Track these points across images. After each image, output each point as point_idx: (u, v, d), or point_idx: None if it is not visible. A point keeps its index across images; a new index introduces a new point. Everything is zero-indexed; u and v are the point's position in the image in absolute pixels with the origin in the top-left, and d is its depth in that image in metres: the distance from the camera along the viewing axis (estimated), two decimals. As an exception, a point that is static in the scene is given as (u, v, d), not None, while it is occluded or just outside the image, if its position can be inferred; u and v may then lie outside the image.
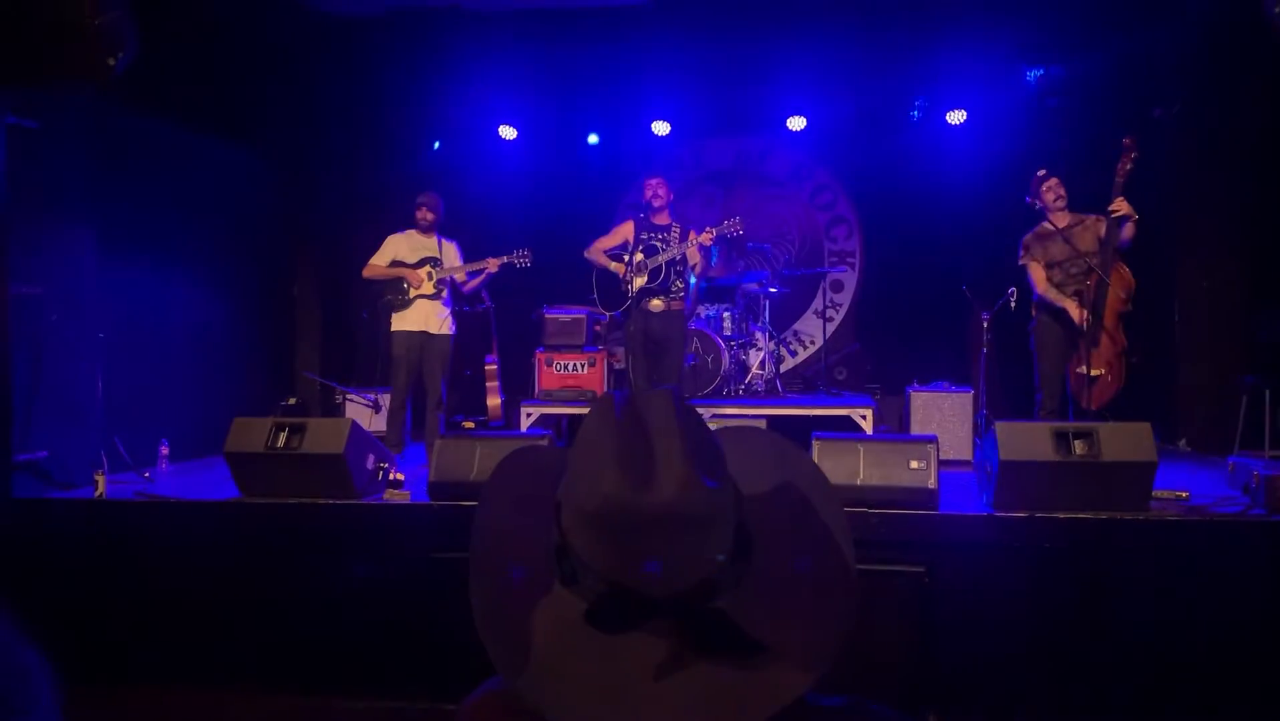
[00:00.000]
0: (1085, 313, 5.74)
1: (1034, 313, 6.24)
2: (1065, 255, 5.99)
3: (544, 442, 4.81)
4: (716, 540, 1.02)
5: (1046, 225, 6.09)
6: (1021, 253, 6.18)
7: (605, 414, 1.06)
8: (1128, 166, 5.61)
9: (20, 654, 1.12)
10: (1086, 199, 6.05)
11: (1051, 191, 6.04)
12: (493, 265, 6.81)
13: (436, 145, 9.15)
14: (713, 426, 1.17)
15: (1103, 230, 5.88)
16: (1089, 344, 5.72)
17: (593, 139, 9.43)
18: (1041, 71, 7.98)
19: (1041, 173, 6.09)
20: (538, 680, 1.02)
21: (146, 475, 5.81)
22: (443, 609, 4.27)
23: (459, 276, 6.85)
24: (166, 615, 4.75)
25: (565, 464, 1.07)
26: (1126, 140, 5.64)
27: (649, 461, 0.99)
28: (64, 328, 5.84)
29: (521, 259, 6.85)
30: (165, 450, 6.26)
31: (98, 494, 5.12)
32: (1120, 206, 5.63)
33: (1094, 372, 5.74)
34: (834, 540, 1.14)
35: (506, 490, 1.21)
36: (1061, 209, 6.03)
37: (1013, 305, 6.32)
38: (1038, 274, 6.07)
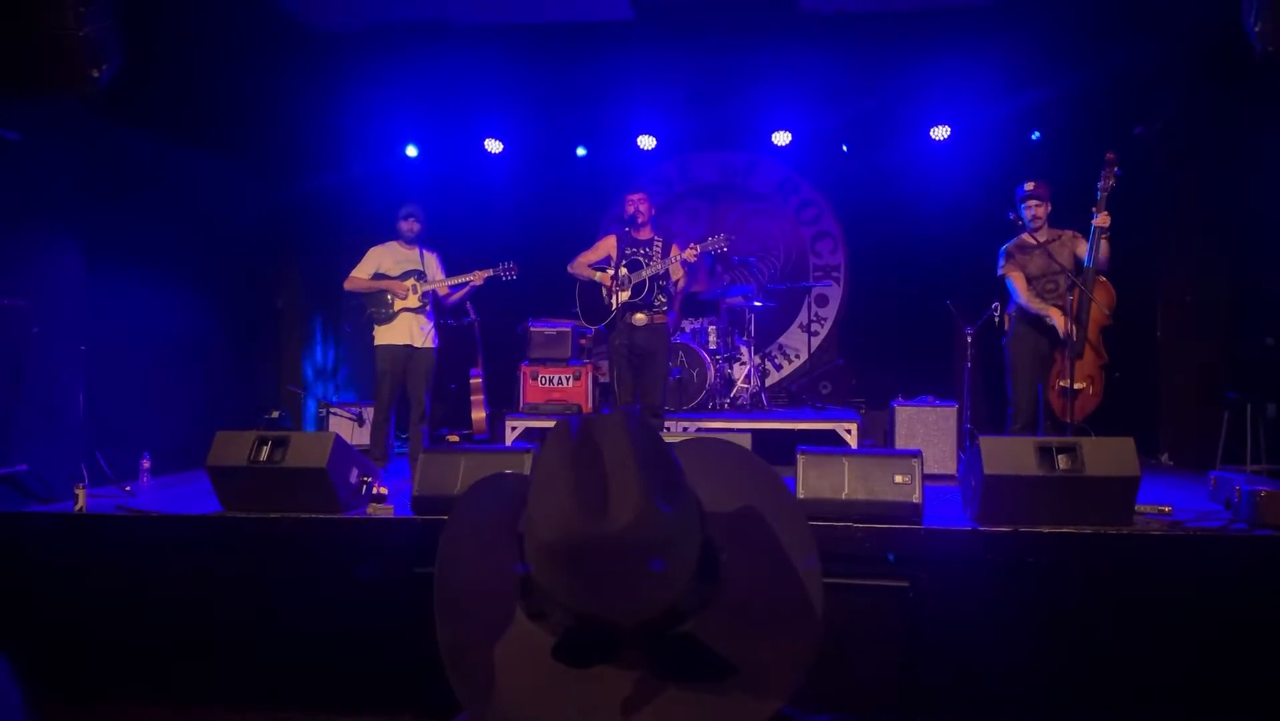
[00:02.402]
0: (1070, 321, 5.76)
1: (1009, 325, 6.24)
2: (1043, 270, 6.01)
3: (527, 457, 4.79)
4: (678, 564, 1.00)
5: (1027, 238, 6.12)
6: (1003, 262, 6.16)
7: (561, 443, 1.04)
8: (1111, 181, 5.66)
9: None
10: (1070, 214, 6.09)
11: (1030, 210, 6.06)
12: (478, 278, 6.80)
13: (412, 151, 9.13)
14: (683, 439, 1.15)
15: (1079, 247, 5.93)
16: (1073, 356, 5.73)
17: (580, 152, 9.44)
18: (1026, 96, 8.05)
19: (1030, 186, 6.10)
20: (503, 713, 1.01)
21: (128, 489, 5.76)
22: (426, 624, 4.25)
23: (442, 290, 6.83)
24: (147, 630, 4.70)
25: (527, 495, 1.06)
26: (1109, 155, 5.69)
27: (603, 488, 0.98)
28: (46, 340, 5.79)
29: (508, 271, 6.85)
30: (147, 464, 6.21)
31: (78, 507, 5.07)
32: (1104, 220, 5.67)
33: (1076, 386, 5.75)
34: (799, 553, 1.13)
35: (470, 522, 1.19)
36: (1041, 225, 6.05)
37: (997, 320, 6.33)
38: (1020, 283, 6.05)
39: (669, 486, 1.02)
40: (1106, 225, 5.68)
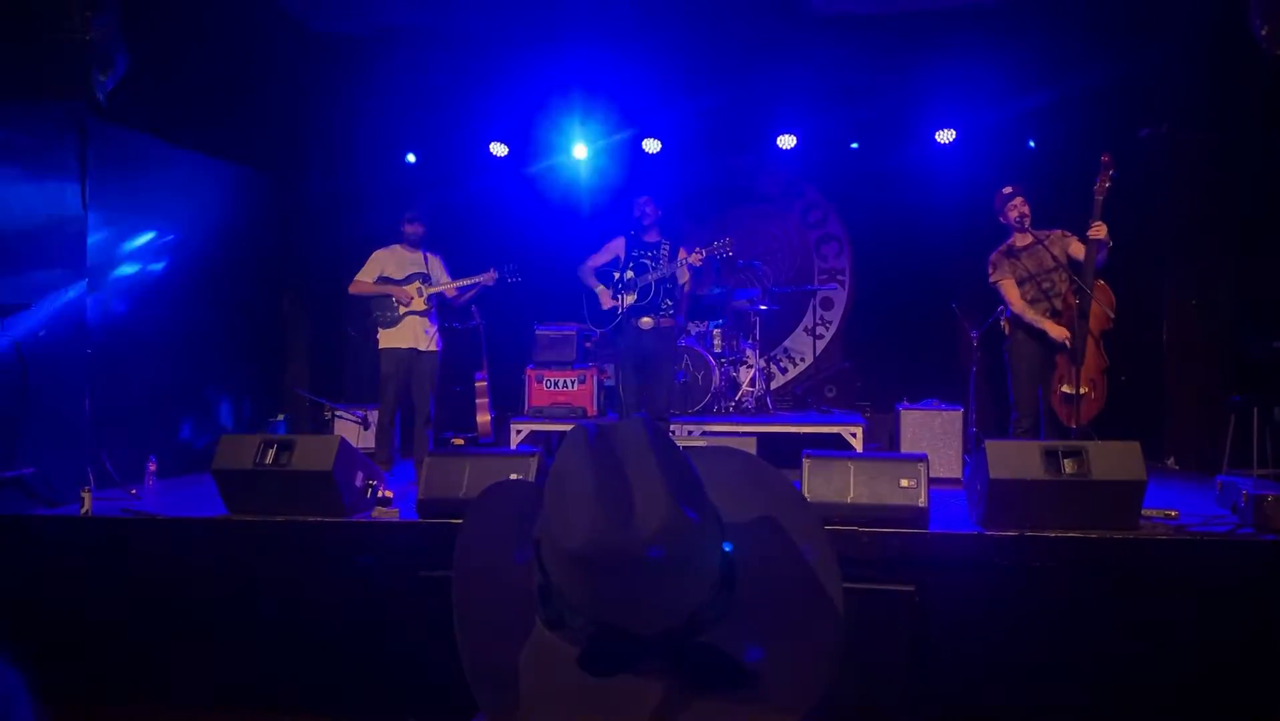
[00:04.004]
0: (1067, 332, 5.73)
1: (1008, 330, 6.20)
2: (1034, 270, 5.98)
3: (533, 460, 4.79)
4: (702, 572, 0.99)
5: (1013, 242, 6.10)
6: (991, 271, 6.13)
7: (578, 448, 1.03)
8: (1106, 184, 5.54)
9: (1, 675, 1.10)
10: (1073, 216, 6.06)
11: (1015, 210, 6.00)
12: (485, 280, 6.80)
13: (411, 158, 9.16)
14: (696, 444, 1.15)
15: (1070, 245, 5.89)
16: (1074, 361, 5.70)
17: (582, 154, 9.43)
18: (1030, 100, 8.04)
19: (1007, 190, 6.07)
20: None
21: (133, 492, 5.76)
22: (432, 627, 4.25)
23: (449, 292, 6.83)
24: (152, 633, 4.71)
25: (541, 501, 1.04)
26: (1104, 157, 5.57)
27: (627, 495, 0.97)
28: (51, 343, 5.81)
29: (512, 274, 6.85)
30: (153, 467, 6.21)
31: (84, 511, 5.08)
32: (1099, 231, 5.57)
33: (1079, 391, 5.73)
34: (819, 563, 1.12)
35: (483, 531, 1.18)
36: (1026, 227, 5.99)
37: (1003, 323, 6.32)
38: (1011, 292, 6.02)
39: (691, 495, 1.01)
40: (1103, 236, 5.58)
